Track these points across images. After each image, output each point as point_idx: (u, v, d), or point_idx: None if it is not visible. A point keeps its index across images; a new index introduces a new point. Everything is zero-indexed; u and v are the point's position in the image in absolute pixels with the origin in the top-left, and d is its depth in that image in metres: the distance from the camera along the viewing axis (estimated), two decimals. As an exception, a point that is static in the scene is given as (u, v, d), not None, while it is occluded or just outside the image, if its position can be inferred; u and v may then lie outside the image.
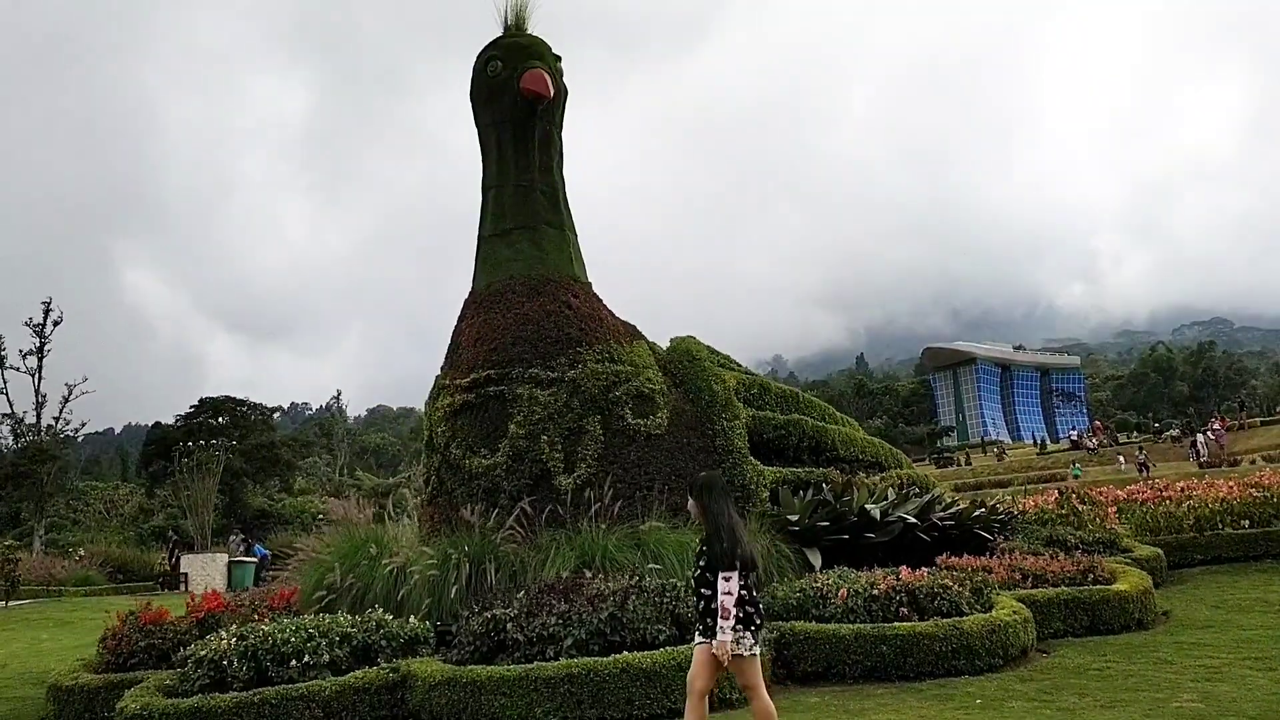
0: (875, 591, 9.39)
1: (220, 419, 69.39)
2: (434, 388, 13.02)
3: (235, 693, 8.54)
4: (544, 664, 8.22)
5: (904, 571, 9.81)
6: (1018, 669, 8.91)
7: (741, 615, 5.80)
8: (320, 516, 57.17)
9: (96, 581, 32.44)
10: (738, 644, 5.77)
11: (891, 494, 12.87)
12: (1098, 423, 76.40)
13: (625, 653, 8.24)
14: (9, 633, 20.40)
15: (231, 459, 59.57)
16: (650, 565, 10.05)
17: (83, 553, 36.11)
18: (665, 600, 8.90)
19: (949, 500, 13.41)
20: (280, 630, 9.05)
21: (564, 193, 13.39)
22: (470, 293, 13.07)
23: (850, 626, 8.95)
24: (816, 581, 9.87)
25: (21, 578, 27.40)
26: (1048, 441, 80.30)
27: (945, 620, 8.94)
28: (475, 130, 13.49)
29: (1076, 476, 47.86)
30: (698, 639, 6.06)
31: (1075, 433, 76.91)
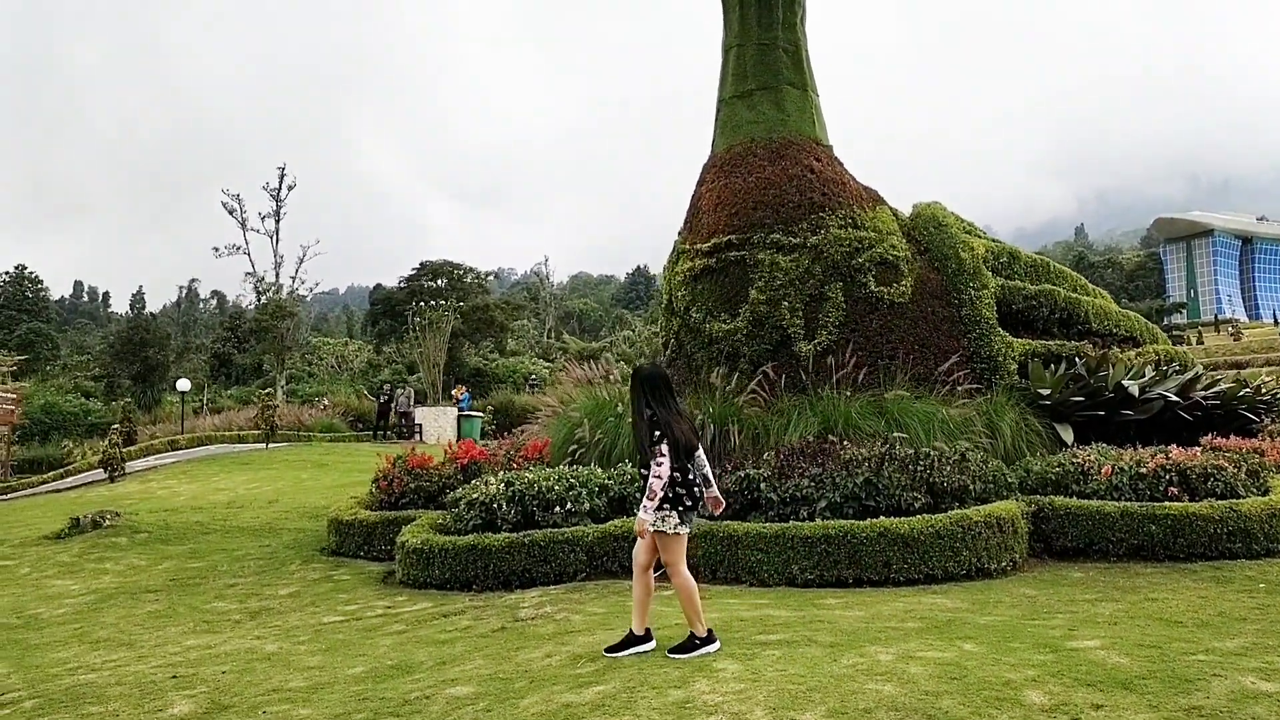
0: (1142, 470, 9.01)
1: (439, 281, 72.93)
2: (673, 252, 13.13)
3: (506, 533, 9.16)
4: (800, 524, 8.38)
5: (1174, 450, 9.34)
6: (1301, 556, 8.43)
7: (671, 496, 5.87)
8: (533, 376, 59.79)
9: (339, 429, 35.23)
10: (663, 521, 5.88)
11: (1149, 371, 12.18)
12: None
13: (881, 518, 8.28)
14: (274, 471, 22.50)
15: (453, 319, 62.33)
16: (896, 434, 9.96)
17: (327, 402, 39.13)
18: (919, 468, 8.84)
19: (1211, 379, 12.61)
20: (545, 478, 9.58)
21: (807, 51, 12.97)
22: (710, 156, 12.97)
23: (1115, 504, 8.65)
24: (1076, 457, 9.56)
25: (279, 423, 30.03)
26: (1292, 321, 73.71)
27: (1221, 502, 8.50)
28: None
29: (1327, 360, 44.02)
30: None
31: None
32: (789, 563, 8.22)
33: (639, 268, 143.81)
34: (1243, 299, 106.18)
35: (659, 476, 5.84)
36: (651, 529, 5.94)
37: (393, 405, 34.62)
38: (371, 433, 34.16)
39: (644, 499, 5.88)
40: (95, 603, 9.45)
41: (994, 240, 13.51)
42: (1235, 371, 37.76)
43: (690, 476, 6.00)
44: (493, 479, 9.98)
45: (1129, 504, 8.64)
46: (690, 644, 5.94)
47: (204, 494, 18.78)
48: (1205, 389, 12.24)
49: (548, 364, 73.37)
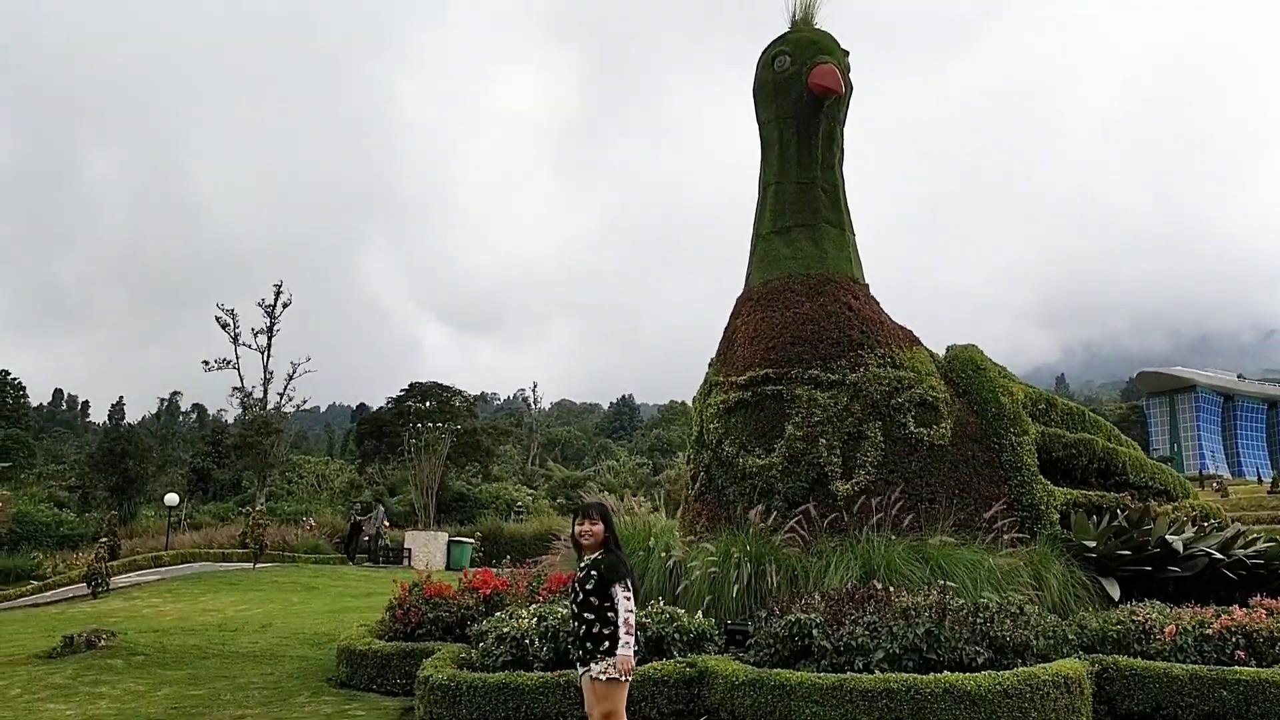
0: (1207, 631, 8.67)
1: (427, 403, 72.43)
2: (704, 384, 12.95)
3: (540, 672, 8.67)
4: (859, 675, 7.94)
5: (1238, 612, 9.02)
6: (1378, 731, 8.02)
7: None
8: (518, 504, 58.88)
9: (325, 550, 34.31)
10: (613, 668, 5.73)
11: (1189, 527, 11.94)
12: None
13: (945, 672, 7.87)
14: (262, 593, 21.72)
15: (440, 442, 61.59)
16: (944, 582, 9.59)
17: (313, 522, 38.20)
18: (979, 621, 8.47)
19: (1252, 536, 12.33)
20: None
21: (844, 191, 13.09)
22: (745, 289, 12.93)
23: (1184, 667, 8.26)
24: (1136, 615, 9.20)
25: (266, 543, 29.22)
26: (1279, 479, 73.84)
27: (1294, 669, 8.14)
28: (756, 126, 13.36)
29: (1320, 520, 43.86)
30: (579, 667, 5.93)
31: (1314, 472, 69.90)
32: (847, 717, 7.74)
33: (624, 397, 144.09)
34: (1226, 456, 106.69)
35: (632, 611, 5.76)
36: (604, 676, 5.72)
37: (362, 527, 33.79)
38: (348, 556, 33.16)
39: (622, 633, 5.68)
40: (94, 731, 8.83)
41: (1030, 386, 13.41)
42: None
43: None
44: (524, 612, 9.52)
45: (1198, 667, 8.26)
46: None
47: (192, 614, 18.03)
48: (1244, 547, 11.96)
49: (531, 491, 72.44)
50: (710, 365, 13.03)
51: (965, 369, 12.24)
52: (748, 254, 13.20)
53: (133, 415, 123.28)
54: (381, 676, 10.53)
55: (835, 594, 9.22)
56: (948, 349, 12.82)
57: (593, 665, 5.86)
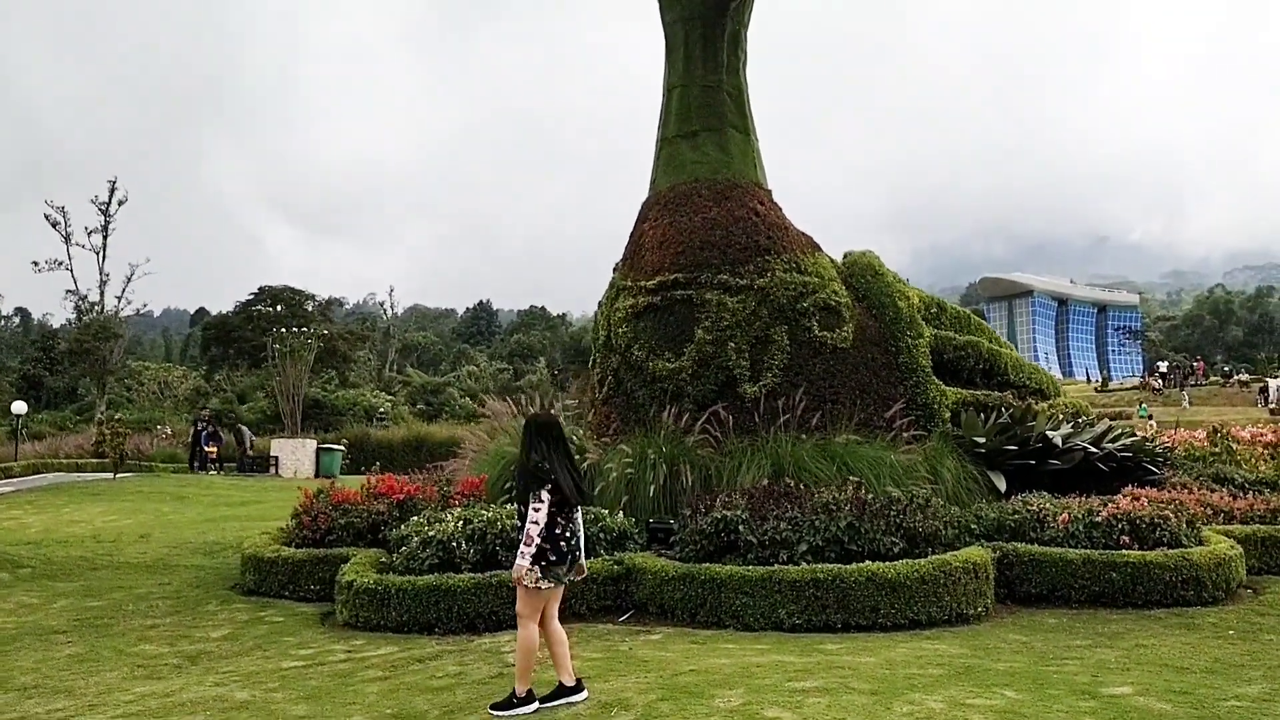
0: (1096, 519, 9.33)
1: (278, 308, 69.89)
2: (611, 289, 12.93)
3: (469, 574, 8.69)
4: (786, 567, 8.27)
5: (1122, 500, 9.74)
6: (1240, 603, 8.88)
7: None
8: (381, 410, 57.67)
9: (182, 459, 33.10)
10: (531, 572, 5.72)
11: (1065, 423, 12.74)
12: (1200, 362, 73.86)
13: (866, 562, 8.27)
14: (131, 504, 20.84)
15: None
16: (852, 478, 10.01)
17: (169, 430, 36.73)
18: (894, 513, 8.89)
19: (1119, 431, 13.26)
20: (509, 515, 9.15)
21: (748, 95, 13.09)
22: (651, 193, 12.89)
23: (1078, 551, 8.91)
24: (1031, 505, 9.83)
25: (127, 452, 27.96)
26: (1108, 379, 79.16)
27: (1174, 551, 8.88)
28: (661, 27, 13.17)
29: (1143, 416, 47.38)
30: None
31: (1162, 367, 74.31)
32: (776, 607, 8.09)
33: (482, 302, 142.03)
34: (1058, 357, 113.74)
35: (535, 523, 5.67)
36: (524, 580, 5.75)
37: (201, 437, 32.46)
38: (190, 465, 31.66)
39: (521, 545, 5.69)
40: (-2, 646, 8.45)
41: (921, 291, 13.91)
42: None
43: (558, 531, 5.80)
44: (448, 516, 9.47)
45: (1091, 551, 8.92)
46: (509, 702, 5.77)
47: (58, 526, 17.18)
48: (1112, 441, 12.85)
49: (390, 397, 71.19)
50: (616, 269, 13.01)
51: (864, 274, 12.59)
52: (652, 157, 13.14)
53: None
54: (293, 583, 10.36)
55: (757, 491, 9.52)
56: (845, 255, 13.14)
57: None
